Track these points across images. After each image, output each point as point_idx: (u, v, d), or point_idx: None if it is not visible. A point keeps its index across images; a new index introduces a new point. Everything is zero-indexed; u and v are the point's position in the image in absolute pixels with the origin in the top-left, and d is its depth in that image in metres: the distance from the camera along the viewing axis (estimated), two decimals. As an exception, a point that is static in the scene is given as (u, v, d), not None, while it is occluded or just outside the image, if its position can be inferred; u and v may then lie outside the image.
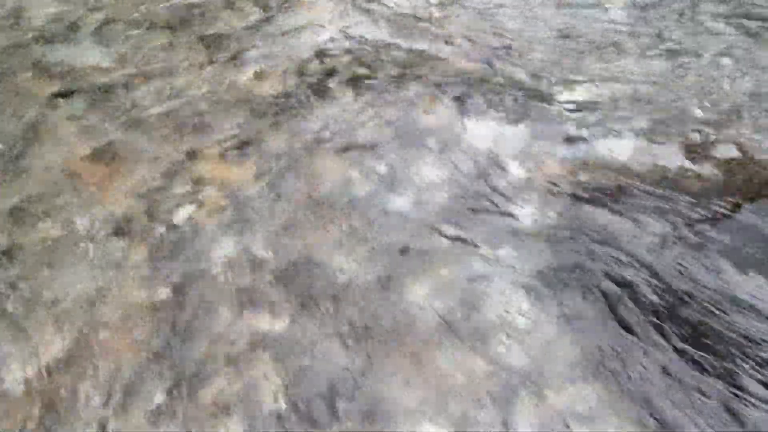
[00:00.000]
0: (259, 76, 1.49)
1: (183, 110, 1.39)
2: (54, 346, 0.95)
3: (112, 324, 0.97)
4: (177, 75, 1.51)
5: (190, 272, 1.04)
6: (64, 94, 1.46)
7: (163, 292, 1.01)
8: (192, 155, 1.27)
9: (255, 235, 1.09)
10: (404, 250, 1.05)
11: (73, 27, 1.73)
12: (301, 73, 1.50)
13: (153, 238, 1.09)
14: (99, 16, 1.77)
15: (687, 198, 1.11)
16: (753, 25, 1.55)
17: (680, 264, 1.01)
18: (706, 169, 1.17)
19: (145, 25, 1.72)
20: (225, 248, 1.07)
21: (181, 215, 1.14)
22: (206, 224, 1.12)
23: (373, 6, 1.74)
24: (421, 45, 1.57)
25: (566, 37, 1.56)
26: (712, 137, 1.23)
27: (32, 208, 1.17)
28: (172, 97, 1.44)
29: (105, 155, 1.28)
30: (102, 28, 1.72)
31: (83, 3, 1.84)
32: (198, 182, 1.21)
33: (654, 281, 0.98)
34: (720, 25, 1.56)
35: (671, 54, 1.47)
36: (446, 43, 1.57)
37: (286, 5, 1.76)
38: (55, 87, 1.49)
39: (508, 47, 1.53)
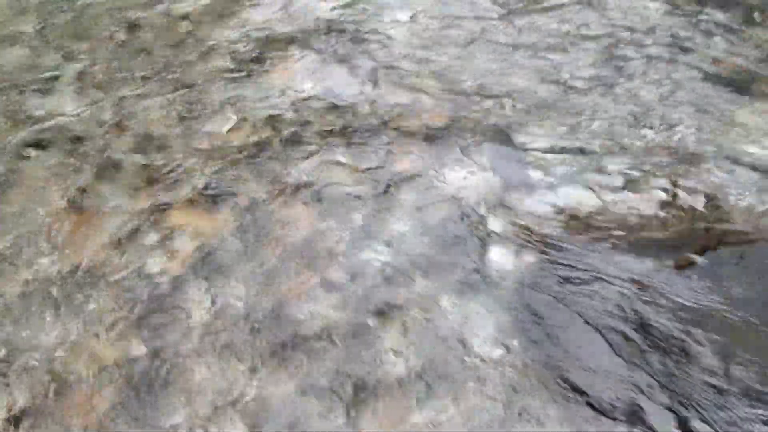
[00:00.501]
0: (233, 126, 1.52)
1: (157, 159, 1.40)
2: (18, 401, 0.94)
3: (80, 379, 0.96)
4: (151, 124, 1.52)
5: (162, 323, 1.03)
6: (37, 144, 1.47)
7: (135, 346, 1.00)
8: (165, 204, 1.27)
9: (228, 285, 1.09)
10: (378, 300, 1.06)
11: (49, 76, 1.74)
12: (275, 123, 1.52)
13: (125, 289, 1.09)
14: (76, 65, 1.79)
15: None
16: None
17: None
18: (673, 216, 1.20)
19: (120, 74, 1.74)
20: (198, 298, 1.07)
21: (154, 265, 1.13)
22: (179, 274, 1.11)
23: (351, 59, 1.78)
24: (398, 98, 1.60)
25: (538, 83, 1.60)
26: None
27: (2, 258, 1.16)
28: (146, 147, 1.45)
29: (77, 205, 1.28)
30: (77, 77, 1.73)
31: (59, 52, 1.86)
32: (171, 231, 1.21)
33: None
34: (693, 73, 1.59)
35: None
36: (422, 92, 1.62)
37: (262, 58, 1.80)
38: (28, 136, 1.50)
39: (481, 96, 1.58)
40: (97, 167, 1.38)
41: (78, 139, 1.48)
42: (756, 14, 1.90)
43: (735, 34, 1.78)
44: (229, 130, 1.52)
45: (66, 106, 1.62)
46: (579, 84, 1.63)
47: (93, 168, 1.38)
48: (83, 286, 1.10)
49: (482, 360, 0.97)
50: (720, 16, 1.86)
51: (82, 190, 1.32)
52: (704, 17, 1.87)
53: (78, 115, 1.57)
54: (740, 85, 1.58)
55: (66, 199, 1.30)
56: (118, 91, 1.67)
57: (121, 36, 1.98)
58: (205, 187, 1.32)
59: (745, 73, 1.63)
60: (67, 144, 1.47)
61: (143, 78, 1.75)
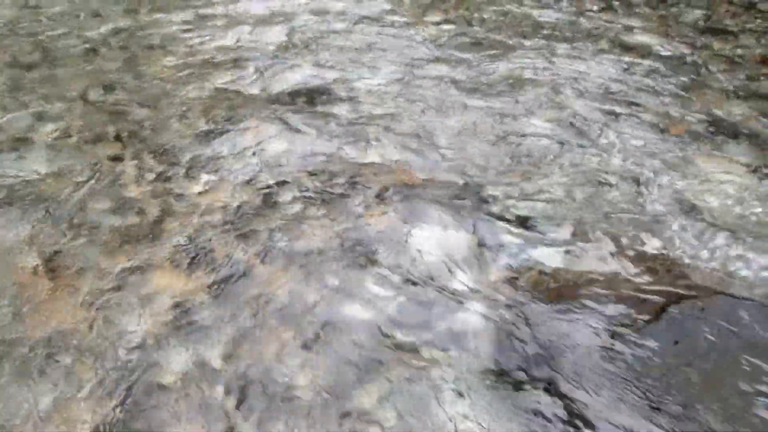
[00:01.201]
0: (209, 187, 1.55)
1: (133, 221, 1.42)
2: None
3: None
4: (126, 186, 1.54)
5: (141, 386, 1.03)
6: (10, 204, 1.47)
7: (113, 410, 0.99)
8: (142, 266, 1.28)
9: (208, 345, 1.10)
10: (357, 359, 1.09)
11: (21, 138, 1.76)
12: (250, 184, 1.56)
13: (102, 352, 1.08)
14: (49, 127, 1.81)
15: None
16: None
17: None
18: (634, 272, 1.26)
19: (93, 137, 1.77)
20: (177, 360, 1.07)
21: (131, 327, 1.13)
22: (157, 335, 1.12)
23: (321, 120, 1.84)
24: (369, 157, 1.67)
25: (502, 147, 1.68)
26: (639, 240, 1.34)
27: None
28: (122, 208, 1.46)
29: (52, 267, 1.27)
30: (50, 139, 1.76)
31: (32, 113, 1.89)
32: (149, 293, 1.21)
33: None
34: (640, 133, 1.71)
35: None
36: (393, 149, 1.68)
37: (236, 119, 1.86)
38: (1, 195, 1.50)
39: (449, 159, 1.65)
40: (71, 228, 1.38)
41: (52, 200, 1.48)
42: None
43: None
44: (205, 191, 1.54)
45: (40, 167, 1.62)
46: (542, 143, 1.72)
47: (67, 229, 1.38)
48: (56, 350, 1.08)
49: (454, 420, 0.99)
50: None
51: (56, 252, 1.31)
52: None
53: (52, 175, 1.58)
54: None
55: (40, 260, 1.29)
56: (90, 152, 1.69)
57: (96, 96, 2.02)
58: (182, 248, 1.33)
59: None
60: (39, 204, 1.47)
61: (117, 138, 1.77)
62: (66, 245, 1.33)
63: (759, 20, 2.75)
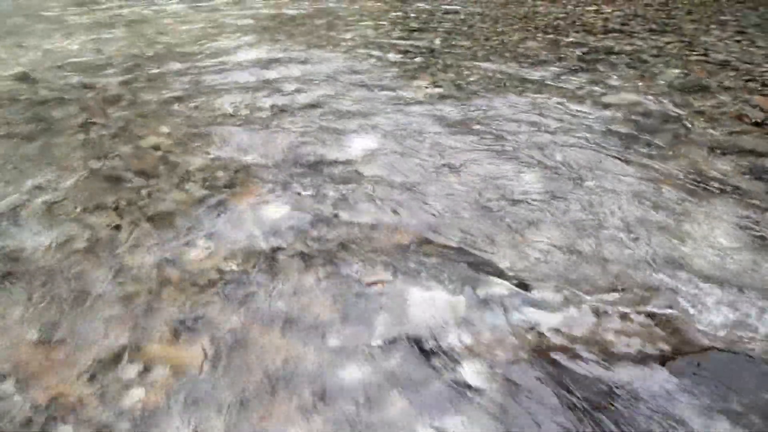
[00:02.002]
0: (206, 254, 1.58)
1: (130, 291, 1.43)
2: None
3: None
4: (123, 256, 1.57)
5: None
6: (4, 277, 1.48)
7: None
8: (140, 336, 1.29)
9: (208, 415, 1.10)
10: (358, 421, 1.08)
11: (16, 208, 1.79)
12: (248, 250, 1.59)
13: (101, 424, 1.08)
14: (46, 197, 1.86)
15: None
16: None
17: None
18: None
19: (90, 206, 1.81)
20: (177, 430, 1.09)
21: (131, 399, 1.13)
22: (157, 407, 1.12)
23: (316, 183, 1.90)
24: (364, 218, 1.71)
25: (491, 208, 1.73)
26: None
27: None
28: (119, 278, 1.48)
29: (50, 339, 1.28)
30: (46, 209, 1.79)
31: (27, 185, 1.94)
32: (147, 364, 1.22)
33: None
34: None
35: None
36: (392, 211, 1.72)
37: (233, 185, 1.91)
38: None
39: (442, 220, 1.69)
40: (68, 300, 1.39)
41: (49, 271, 1.50)
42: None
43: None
44: (202, 258, 1.56)
45: (36, 237, 1.64)
46: (531, 199, 1.77)
47: (64, 301, 1.39)
48: (54, 421, 1.08)
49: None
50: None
51: (54, 324, 1.31)
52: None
53: (49, 246, 1.60)
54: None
55: (37, 333, 1.29)
56: (89, 221, 1.71)
57: (93, 165, 2.06)
58: (180, 318, 1.34)
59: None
60: (36, 275, 1.48)
61: (115, 208, 1.80)
62: (64, 317, 1.34)
63: (733, 78, 2.88)
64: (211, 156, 2.11)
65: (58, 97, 2.70)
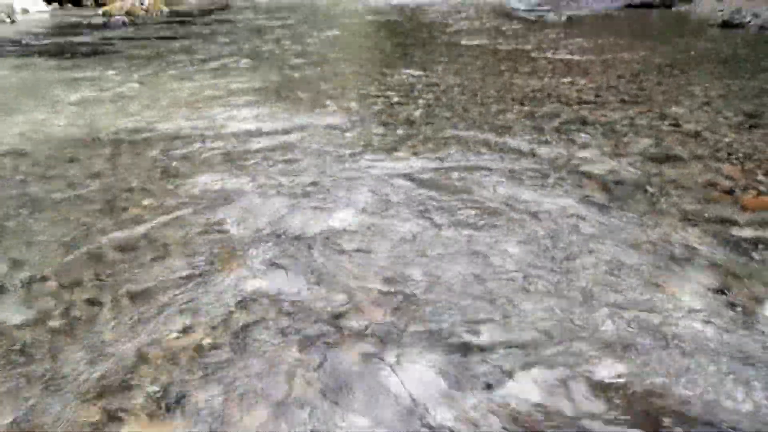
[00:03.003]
0: (185, 330, 1.59)
1: (108, 369, 1.43)
2: None
3: None
4: (103, 333, 1.57)
5: None
6: None
7: None
8: (115, 416, 1.28)
9: None
10: None
11: None
12: (227, 324, 1.61)
13: None
14: (25, 273, 1.87)
15: None
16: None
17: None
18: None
19: (70, 281, 1.82)
20: None
21: None
22: None
23: (297, 258, 1.93)
24: (341, 296, 1.74)
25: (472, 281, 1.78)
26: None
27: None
28: (97, 356, 1.48)
29: (23, 423, 1.27)
30: (26, 285, 1.80)
31: (8, 259, 1.96)
32: None
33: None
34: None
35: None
36: (361, 290, 1.75)
37: (213, 261, 1.94)
38: None
39: (427, 295, 1.73)
40: (44, 380, 1.38)
41: (25, 349, 1.49)
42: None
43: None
44: (181, 335, 1.57)
45: (14, 314, 1.64)
46: (514, 274, 1.82)
47: (40, 381, 1.38)
48: None
49: None
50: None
51: (31, 406, 1.30)
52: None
53: (26, 322, 1.60)
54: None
55: (11, 416, 1.28)
56: (67, 298, 1.72)
57: (75, 239, 2.08)
58: (159, 394, 1.34)
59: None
60: (11, 354, 1.47)
61: (95, 282, 1.82)
62: (39, 399, 1.33)
63: (703, 147, 3.02)
64: (194, 228, 2.15)
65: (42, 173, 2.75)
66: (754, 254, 1.97)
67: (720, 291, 1.75)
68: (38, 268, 1.90)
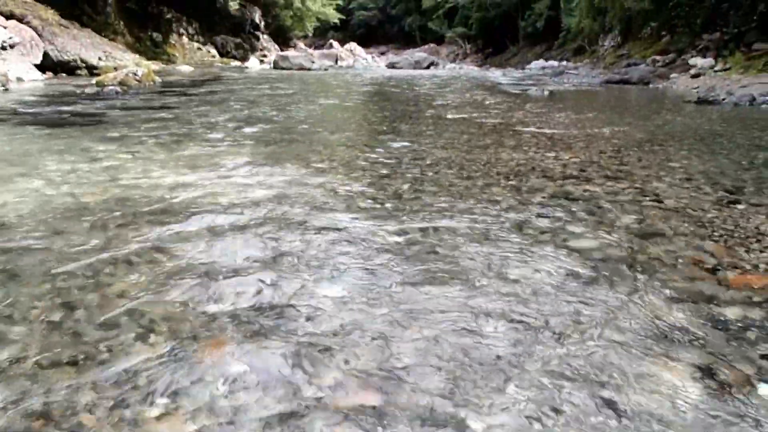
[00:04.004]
0: (165, 414, 1.55)
1: None
2: None
3: None
4: (81, 415, 1.53)
5: None
6: None
7: None
8: None
9: None
10: None
11: None
12: (209, 408, 1.56)
13: None
14: (4, 353, 1.82)
15: None
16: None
17: None
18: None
19: (49, 362, 1.78)
20: None
21: None
22: None
23: (280, 339, 1.91)
24: (330, 379, 1.71)
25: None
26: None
27: None
28: None
29: None
30: (4, 365, 1.76)
31: None
32: None
33: None
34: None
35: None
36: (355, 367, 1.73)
37: (195, 340, 1.91)
38: None
39: (415, 378, 1.70)
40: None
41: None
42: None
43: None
44: (161, 417, 1.53)
45: (-12, 399, 1.59)
46: (503, 351, 1.81)
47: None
48: None
49: None
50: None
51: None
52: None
53: (3, 408, 1.55)
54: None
55: None
56: (48, 382, 1.68)
57: (55, 317, 2.05)
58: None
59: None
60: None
61: (73, 362, 1.78)
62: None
63: (687, 224, 3.08)
64: (178, 303, 2.13)
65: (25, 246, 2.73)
66: (742, 334, 1.98)
67: (708, 372, 1.74)
68: (17, 346, 1.86)
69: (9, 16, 14.80)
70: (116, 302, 2.17)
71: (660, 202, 3.55)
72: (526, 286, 2.29)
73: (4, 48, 13.06)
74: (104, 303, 2.16)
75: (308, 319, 2.04)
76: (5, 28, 13.76)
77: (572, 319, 2.04)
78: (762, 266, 2.53)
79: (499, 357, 1.80)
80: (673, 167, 4.65)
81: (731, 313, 2.13)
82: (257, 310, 2.10)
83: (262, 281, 2.33)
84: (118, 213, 3.17)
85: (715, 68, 17.37)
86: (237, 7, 32.66)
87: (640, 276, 2.41)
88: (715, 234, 2.93)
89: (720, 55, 18.44)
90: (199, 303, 2.16)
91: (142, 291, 2.25)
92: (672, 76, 18.10)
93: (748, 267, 2.52)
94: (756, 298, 2.24)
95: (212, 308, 2.12)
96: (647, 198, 3.63)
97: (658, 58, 21.13)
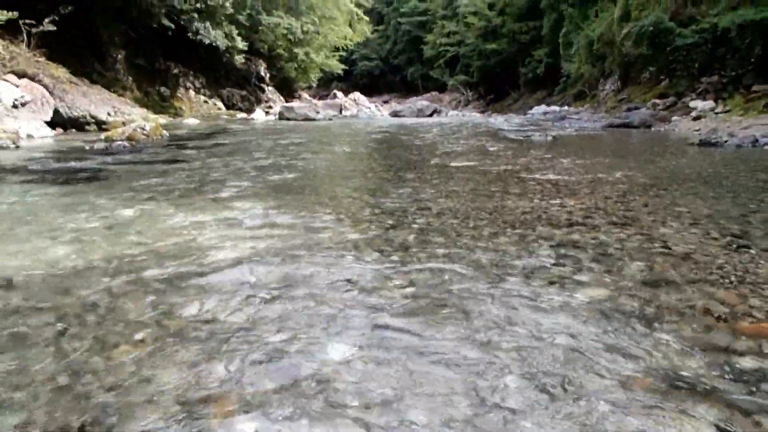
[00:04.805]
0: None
1: None
2: None
3: None
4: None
5: None
6: None
7: None
8: None
9: None
10: None
11: None
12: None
13: None
14: (9, 420, 1.80)
15: None
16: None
17: None
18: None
19: (55, 428, 1.76)
20: None
21: None
22: None
23: (289, 402, 1.89)
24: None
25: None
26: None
27: None
28: None
29: None
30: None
31: None
32: None
33: None
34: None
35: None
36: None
37: (205, 403, 1.90)
38: None
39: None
40: None
41: None
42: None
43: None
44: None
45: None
46: (519, 406, 1.78)
47: None
48: None
49: None
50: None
51: None
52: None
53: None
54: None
55: None
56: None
57: (62, 381, 2.04)
58: None
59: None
60: None
61: (81, 428, 1.76)
62: None
63: (696, 271, 3.07)
64: (185, 364, 2.12)
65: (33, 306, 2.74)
66: (757, 385, 1.95)
67: (725, 426, 1.71)
68: (24, 413, 1.84)
69: (22, 75, 15.22)
70: (123, 365, 2.16)
71: (668, 248, 3.54)
72: (536, 341, 2.27)
73: (15, 106, 13.39)
74: (111, 366, 2.15)
75: (316, 381, 2.02)
76: (17, 87, 14.14)
77: (585, 373, 2.01)
78: (775, 314, 2.50)
79: (513, 412, 1.78)
80: (679, 212, 4.65)
81: (746, 363, 2.10)
82: (264, 371, 2.09)
83: (270, 342, 2.31)
84: (125, 272, 3.18)
85: (716, 110, 17.58)
86: (243, 60, 33.49)
87: (651, 327, 2.39)
88: (726, 281, 2.92)
89: (719, 97, 18.69)
90: (206, 364, 2.14)
91: (148, 350, 2.24)
92: (673, 119, 18.31)
93: (760, 315, 2.49)
94: (770, 348, 2.21)
95: (219, 369, 2.10)
96: (655, 244, 3.63)
97: (658, 101, 21.44)
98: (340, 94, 46.54)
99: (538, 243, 3.68)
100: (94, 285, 2.99)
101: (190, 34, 26.17)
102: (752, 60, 18.14)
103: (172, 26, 24.81)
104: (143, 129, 13.05)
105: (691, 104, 19.08)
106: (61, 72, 17.68)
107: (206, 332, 2.40)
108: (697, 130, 14.82)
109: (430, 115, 31.59)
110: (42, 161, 8.86)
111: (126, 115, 17.22)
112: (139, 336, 2.38)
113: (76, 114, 15.96)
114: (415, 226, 4.18)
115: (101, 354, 2.24)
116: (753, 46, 18.02)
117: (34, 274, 3.19)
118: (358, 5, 48.90)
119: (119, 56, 24.76)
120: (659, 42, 20.93)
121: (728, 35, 18.72)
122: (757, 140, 11.06)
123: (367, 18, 53.13)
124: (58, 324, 2.51)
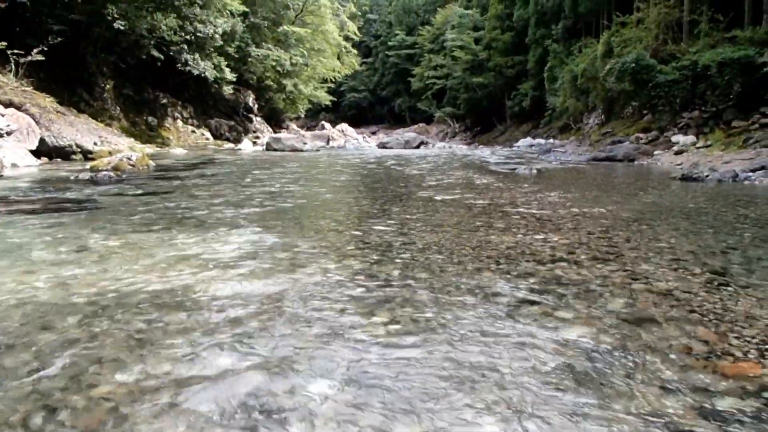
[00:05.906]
0: None
1: None
2: None
3: None
4: None
5: None
6: None
7: None
8: None
9: None
10: None
11: None
12: None
13: None
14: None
15: None
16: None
17: None
18: None
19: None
20: None
21: None
22: None
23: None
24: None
25: None
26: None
27: None
28: None
29: None
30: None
31: None
32: None
33: None
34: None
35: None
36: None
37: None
38: None
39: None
40: None
41: None
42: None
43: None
44: None
45: None
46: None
47: None
48: None
49: None
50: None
51: None
52: (593, 383, 2.16)
53: None
54: None
55: None
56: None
57: (37, 421, 2.00)
58: None
59: None
60: None
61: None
62: None
63: (677, 309, 3.10)
64: (170, 406, 2.09)
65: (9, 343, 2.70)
66: (737, 427, 1.96)
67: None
68: (-6, 457, 1.80)
69: (8, 105, 15.22)
70: (101, 405, 2.12)
71: (649, 284, 3.58)
72: (518, 381, 2.27)
73: (0, 135, 13.34)
74: (88, 405, 2.12)
75: (300, 420, 2.00)
76: (3, 116, 14.11)
77: (565, 411, 2.01)
78: (753, 353, 2.53)
79: (492, 458, 1.77)
80: (661, 247, 4.72)
81: (726, 404, 2.11)
82: (247, 412, 2.06)
83: (251, 383, 2.29)
84: (105, 308, 3.15)
85: (697, 145, 17.95)
86: (231, 91, 33.76)
87: (631, 364, 2.41)
88: (706, 319, 2.95)
89: (701, 132, 19.11)
90: (186, 405, 2.12)
91: (127, 393, 2.21)
92: (656, 153, 18.65)
93: (739, 354, 2.52)
94: (750, 387, 2.23)
95: (203, 409, 2.08)
96: (637, 281, 3.67)
97: (641, 135, 21.87)
98: (327, 125, 46.95)
99: (522, 279, 3.71)
100: (73, 322, 2.96)
101: (179, 65, 26.42)
102: (732, 96, 18.62)
103: (162, 57, 25.03)
104: (129, 159, 13.04)
105: (674, 139, 19.47)
106: (48, 101, 17.70)
107: (186, 373, 2.37)
108: (679, 164, 15.10)
109: (417, 147, 31.90)
110: (25, 191, 8.81)
111: (113, 145, 17.21)
112: (117, 376, 2.35)
113: (62, 143, 15.93)
114: (398, 261, 4.19)
115: (78, 393, 2.20)
116: (732, 83, 18.51)
117: (12, 308, 3.15)
118: (347, 38, 49.73)
119: (107, 86, 24.88)
120: (641, 78, 21.44)
121: (708, 72, 19.23)
122: (737, 175, 11.29)
123: (355, 51, 53.99)
124: (35, 362, 2.47)
